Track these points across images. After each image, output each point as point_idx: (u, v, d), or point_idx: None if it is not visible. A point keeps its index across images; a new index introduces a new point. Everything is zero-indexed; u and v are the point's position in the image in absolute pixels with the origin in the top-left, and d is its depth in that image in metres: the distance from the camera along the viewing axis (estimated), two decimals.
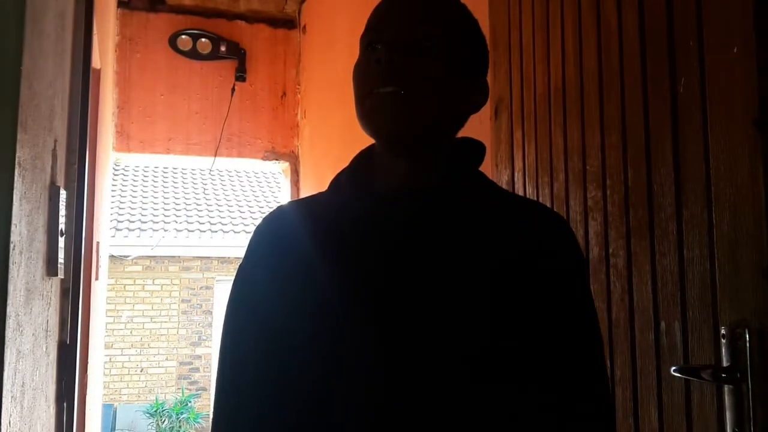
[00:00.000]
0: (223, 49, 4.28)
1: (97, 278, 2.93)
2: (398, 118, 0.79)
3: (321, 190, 0.92)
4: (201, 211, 10.41)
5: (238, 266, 0.89)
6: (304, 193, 4.21)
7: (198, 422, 8.89)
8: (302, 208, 0.92)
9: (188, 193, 11.01)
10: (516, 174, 1.67)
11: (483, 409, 0.75)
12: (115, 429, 9.22)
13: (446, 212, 0.82)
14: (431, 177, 0.83)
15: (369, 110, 0.81)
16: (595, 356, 0.80)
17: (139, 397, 9.67)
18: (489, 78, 1.94)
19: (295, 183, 4.42)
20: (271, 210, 0.91)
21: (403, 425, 0.74)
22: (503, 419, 0.75)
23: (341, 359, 0.77)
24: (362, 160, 0.89)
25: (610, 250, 1.28)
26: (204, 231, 9.89)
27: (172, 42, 4.26)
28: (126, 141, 4.18)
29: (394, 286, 0.78)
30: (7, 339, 0.95)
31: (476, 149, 0.89)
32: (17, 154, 0.98)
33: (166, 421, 8.87)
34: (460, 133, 0.90)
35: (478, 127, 1.90)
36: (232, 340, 0.85)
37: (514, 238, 0.80)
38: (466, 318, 0.75)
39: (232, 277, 0.91)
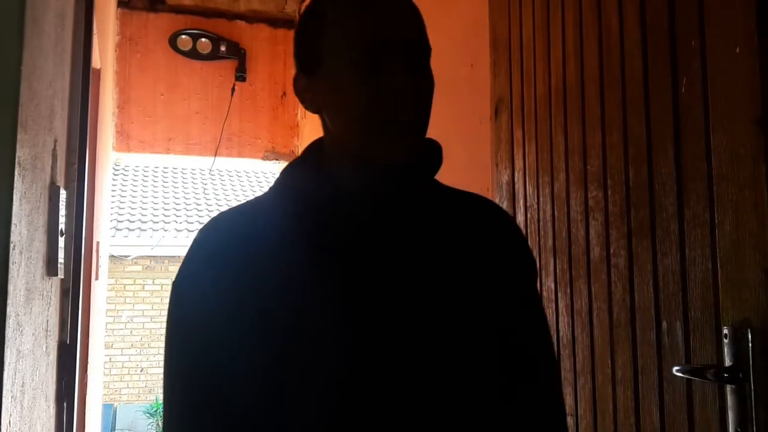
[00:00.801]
0: (223, 48, 4.28)
1: (97, 278, 2.93)
2: (415, 146, 0.78)
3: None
4: (201, 211, 10.41)
5: (172, 283, 0.80)
6: None
7: None
8: (244, 214, 0.84)
9: (188, 193, 11.00)
10: (516, 174, 1.66)
11: (441, 405, 0.76)
12: (115, 429, 9.22)
13: (406, 211, 0.82)
14: (392, 177, 0.81)
15: (386, 139, 0.76)
16: (542, 339, 0.85)
17: (139, 397, 9.67)
18: (489, 78, 1.93)
19: None
20: (210, 220, 0.84)
21: (362, 423, 0.74)
22: (462, 413, 0.77)
23: (300, 360, 0.75)
24: (313, 156, 0.85)
25: (612, 250, 1.27)
26: None
27: (172, 42, 4.26)
28: (126, 141, 4.18)
29: (357, 284, 0.77)
30: (7, 339, 0.95)
31: (436, 152, 0.86)
32: (17, 154, 0.98)
33: None
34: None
35: (478, 126, 1.90)
36: (179, 360, 0.79)
37: (468, 233, 0.84)
38: (426, 314, 0.77)
39: None
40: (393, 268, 0.79)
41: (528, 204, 1.61)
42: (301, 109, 4.44)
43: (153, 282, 10.09)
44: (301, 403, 0.74)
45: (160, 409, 8.86)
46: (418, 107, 0.77)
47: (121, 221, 9.69)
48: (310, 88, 0.82)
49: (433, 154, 0.86)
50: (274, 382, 0.75)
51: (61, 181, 1.44)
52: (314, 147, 0.87)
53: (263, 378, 0.75)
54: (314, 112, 0.84)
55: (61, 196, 1.35)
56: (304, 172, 0.84)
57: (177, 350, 0.79)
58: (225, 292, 0.77)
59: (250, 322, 0.76)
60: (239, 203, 0.87)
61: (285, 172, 0.85)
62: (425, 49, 0.79)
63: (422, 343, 0.76)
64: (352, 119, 0.78)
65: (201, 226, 0.84)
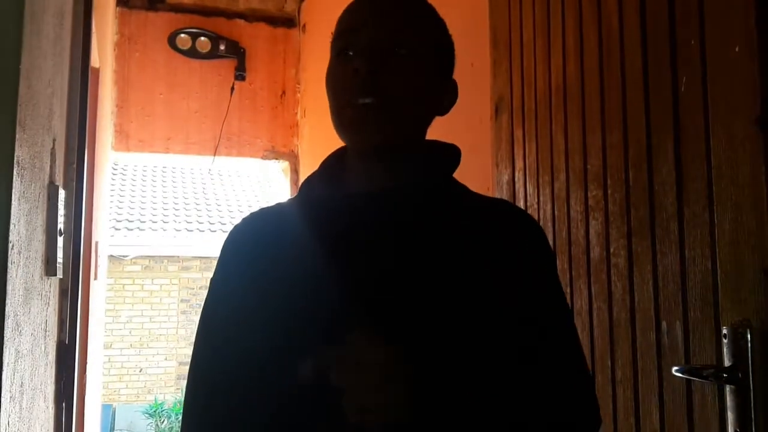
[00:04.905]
0: (222, 47, 4.27)
1: (96, 278, 2.93)
2: (378, 129, 0.81)
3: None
4: (201, 210, 10.40)
5: (210, 279, 0.89)
6: None
7: None
8: (274, 214, 0.91)
9: (188, 193, 11.00)
10: (516, 173, 1.66)
11: (470, 403, 0.76)
12: (114, 429, 9.22)
13: (422, 212, 0.84)
14: (405, 179, 0.85)
15: (349, 122, 0.82)
16: (569, 337, 0.84)
17: (138, 397, 9.66)
18: (489, 77, 1.93)
19: (295, 182, 4.42)
20: (241, 219, 0.92)
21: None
22: (491, 408, 0.77)
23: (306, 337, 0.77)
24: (334, 162, 0.91)
25: (611, 250, 1.27)
26: (203, 231, 9.88)
27: (171, 41, 4.25)
28: (125, 140, 4.18)
29: (382, 286, 0.79)
30: (5, 339, 0.95)
31: (451, 152, 0.90)
32: (16, 154, 0.98)
33: (165, 422, 8.86)
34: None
35: (478, 126, 1.89)
36: (206, 351, 0.84)
37: (488, 234, 0.83)
38: (451, 315, 0.78)
39: None
40: (406, 267, 0.80)
41: (528, 203, 1.61)
42: (300, 108, 4.43)
43: (152, 282, 10.08)
44: (328, 418, 0.75)
45: (159, 410, 8.87)
46: (380, 93, 0.80)
47: (120, 221, 9.68)
48: None
49: (444, 154, 0.89)
50: (278, 351, 0.78)
51: (59, 180, 1.44)
52: (338, 151, 0.92)
53: (269, 343, 0.80)
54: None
55: (59, 195, 1.35)
56: (318, 178, 0.90)
57: (203, 321, 0.86)
58: (246, 276, 0.84)
59: (266, 301, 0.81)
60: (268, 205, 0.97)
61: (305, 180, 0.92)
62: (398, 42, 0.81)
63: (434, 322, 0.77)
64: (331, 102, 0.85)
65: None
